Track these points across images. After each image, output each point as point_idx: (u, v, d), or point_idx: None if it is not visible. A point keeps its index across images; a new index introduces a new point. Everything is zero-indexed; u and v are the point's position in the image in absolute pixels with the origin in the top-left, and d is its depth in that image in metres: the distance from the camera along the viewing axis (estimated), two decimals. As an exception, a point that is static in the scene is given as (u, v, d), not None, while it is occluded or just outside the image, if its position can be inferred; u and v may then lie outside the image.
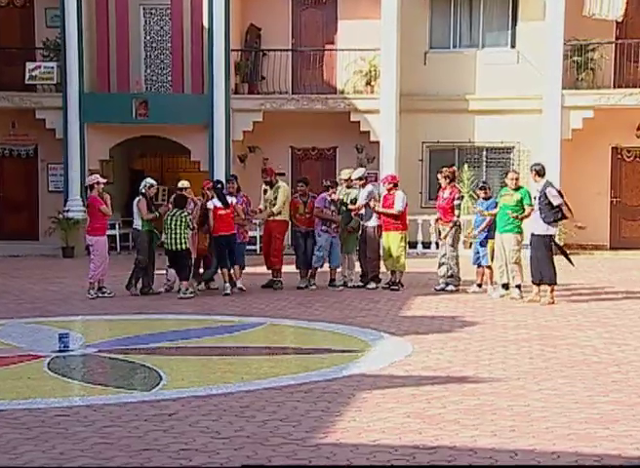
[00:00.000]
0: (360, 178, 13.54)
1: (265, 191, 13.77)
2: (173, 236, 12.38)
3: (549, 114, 19.27)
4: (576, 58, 19.41)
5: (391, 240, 13.13)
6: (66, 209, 19.63)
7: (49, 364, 8.16)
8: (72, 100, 19.67)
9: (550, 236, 11.73)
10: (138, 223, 12.83)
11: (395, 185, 13.32)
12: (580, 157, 19.79)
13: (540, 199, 11.66)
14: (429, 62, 20.47)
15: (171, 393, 6.98)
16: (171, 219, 12.43)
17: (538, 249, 11.66)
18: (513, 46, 20.37)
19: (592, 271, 16.11)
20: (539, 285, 11.77)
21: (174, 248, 12.39)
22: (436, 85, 20.22)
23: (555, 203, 11.57)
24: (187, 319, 10.94)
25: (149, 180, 13.23)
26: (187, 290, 12.47)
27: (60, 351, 8.62)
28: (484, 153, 20.47)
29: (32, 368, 8.07)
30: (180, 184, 13.24)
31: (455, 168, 13.64)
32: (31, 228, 20.97)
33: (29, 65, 20.11)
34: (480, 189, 12.97)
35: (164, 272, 13.05)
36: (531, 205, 11.94)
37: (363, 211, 13.40)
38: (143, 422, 6.11)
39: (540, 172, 11.89)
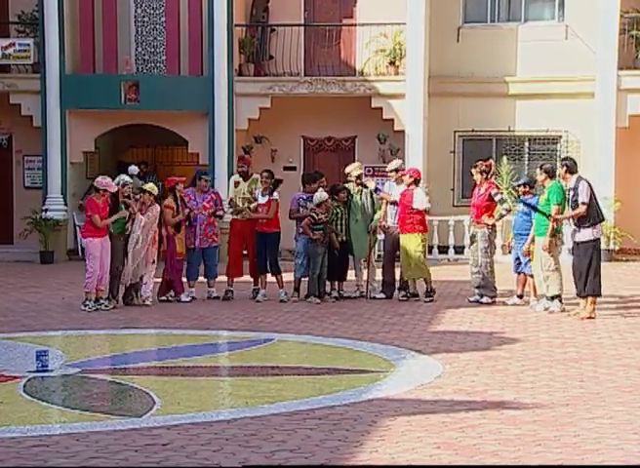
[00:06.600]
0: (397, 171, 13.62)
1: (237, 184, 13.83)
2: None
3: (603, 98, 19.22)
4: (634, 33, 19.37)
5: (407, 243, 13.11)
6: (45, 207, 19.73)
7: (25, 386, 8.18)
8: (52, 83, 19.76)
9: (594, 241, 11.64)
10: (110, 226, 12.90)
11: (416, 182, 13.32)
12: (639, 148, 19.72)
13: (572, 198, 11.61)
14: (463, 39, 20.46)
15: (165, 419, 6.99)
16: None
17: (581, 257, 11.60)
18: (561, 19, 20.35)
19: (653, 281, 16.08)
20: (584, 297, 11.74)
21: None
22: (471, 65, 20.21)
23: (581, 200, 11.52)
24: (184, 334, 10.98)
25: (124, 177, 13.30)
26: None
27: (37, 371, 8.64)
28: (526, 144, 20.45)
29: (6, 390, 8.09)
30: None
31: (492, 161, 13.56)
32: (4, 230, 21.08)
33: (2, 42, 20.20)
34: (520, 185, 12.80)
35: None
36: (558, 204, 11.84)
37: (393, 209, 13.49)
38: (134, 453, 6.12)
39: (572, 168, 11.83)
